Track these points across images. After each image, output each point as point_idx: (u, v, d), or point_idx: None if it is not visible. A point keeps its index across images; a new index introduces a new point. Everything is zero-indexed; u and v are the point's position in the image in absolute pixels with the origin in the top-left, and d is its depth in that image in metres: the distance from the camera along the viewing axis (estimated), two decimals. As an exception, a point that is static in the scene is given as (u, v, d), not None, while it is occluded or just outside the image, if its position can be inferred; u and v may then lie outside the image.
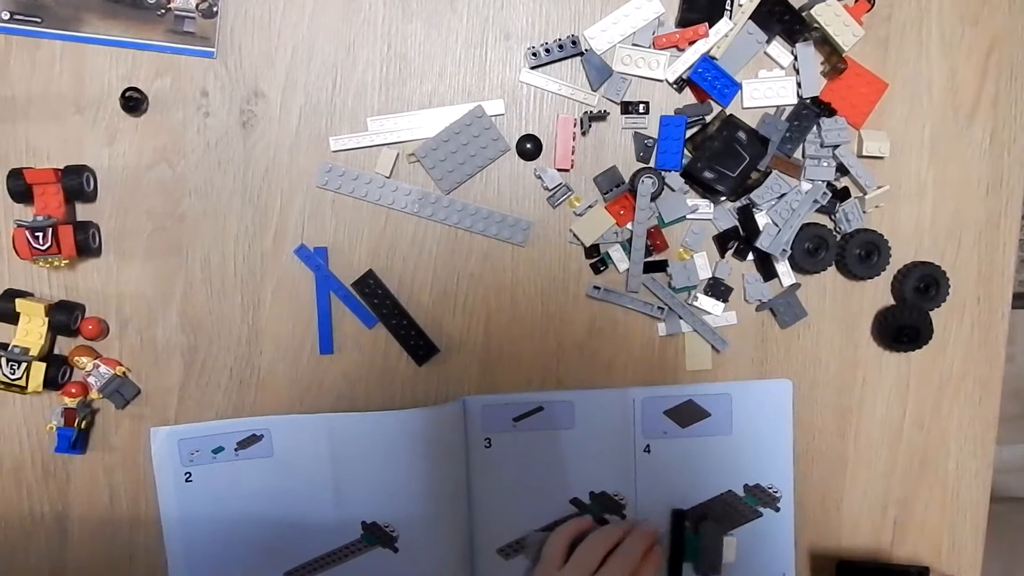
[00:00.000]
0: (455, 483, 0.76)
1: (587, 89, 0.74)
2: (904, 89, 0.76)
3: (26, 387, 0.72)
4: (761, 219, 0.75)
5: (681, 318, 0.76)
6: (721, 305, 0.76)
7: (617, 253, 0.75)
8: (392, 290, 0.75)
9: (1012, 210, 0.77)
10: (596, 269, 0.76)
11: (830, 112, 0.74)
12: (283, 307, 0.75)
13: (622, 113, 0.74)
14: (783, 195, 0.74)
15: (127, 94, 0.72)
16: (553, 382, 0.77)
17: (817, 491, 0.79)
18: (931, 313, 0.76)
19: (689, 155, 0.74)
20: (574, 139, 0.74)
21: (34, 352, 0.72)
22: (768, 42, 0.74)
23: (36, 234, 0.69)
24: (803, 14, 0.72)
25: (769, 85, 0.74)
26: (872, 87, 0.75)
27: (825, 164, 0.75)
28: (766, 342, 0.78)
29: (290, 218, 0.74)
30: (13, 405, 0.75)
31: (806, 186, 0.75)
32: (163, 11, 0.72)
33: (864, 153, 0.75)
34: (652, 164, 0.75)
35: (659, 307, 0.76)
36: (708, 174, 0.72)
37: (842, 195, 0.76)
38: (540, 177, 0.74)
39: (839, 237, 0.76)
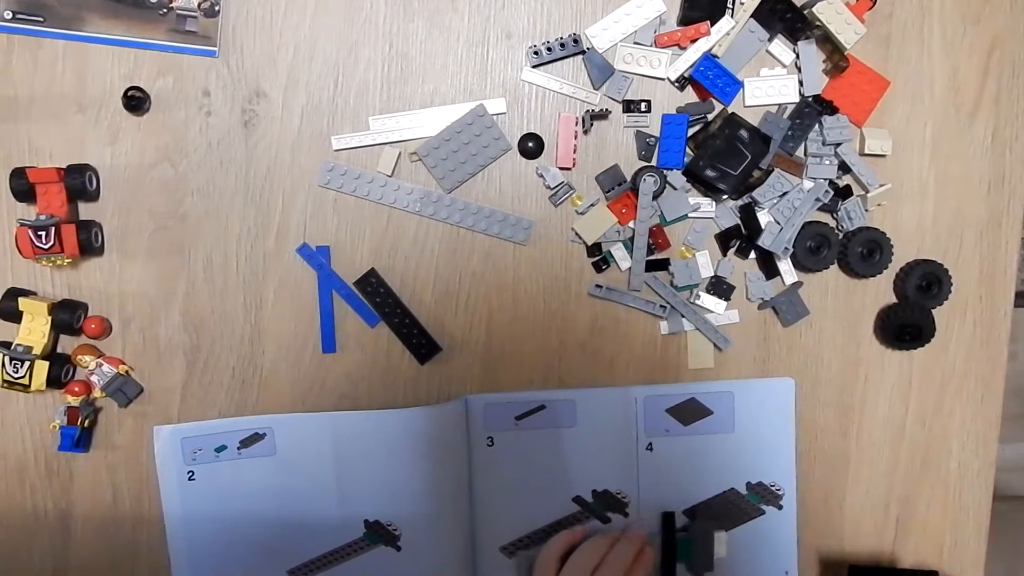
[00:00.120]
0: (457, 482, 0.76)
1: (589, 88, 0.74)
2: (906, 87, 0.76)
3: (29, 386, 0.72)
4: (763, 217, 0.75)
5: (683, 316, 0.76)
6: (723, 303, 0.76)
7: (619, 252, 0.75)
8: (394, 289, 0.75)
9: (1014, 208, 0.77)
10: (598, 268, 0.76)
11: (832, 110, 0.74)
12: (285, 306, 0.75)
13: (624, 112, 0.74)
14: (785, 193, 0.74)
15: (129, 93, 0.72)
16: (555, 381, 0.77)
17: (819, 489, 0.79)
18: (933, 311, 0.76)
19: (691, 153, 0.74)
20: (576, 138, 0.74)
21: (37, 351, 0.72)
22: (770, 40, 0.74)
23: (39, 233, 0.70)
24: (805, 12, 0.72)
25: (771, 83, 0.74)
26: (874, 85, 0.75)
27: (827, 162, 0.75)
28: (768, 340, 0.78)
29: (292, 217, 0.74)
30: (16, 404, 0.76)
31: (808, 184, 0.75)
32: (165, 10, 0.72)
33: (866, 151, 0.75)
34: (654, 163, 0.75)
35: (661, 305, 0.76)
36: (710, 172, 0.72)
37: (844, 193, 0.76)
38: (542, 176, 0.74)
39: (841, 235, 0.76)
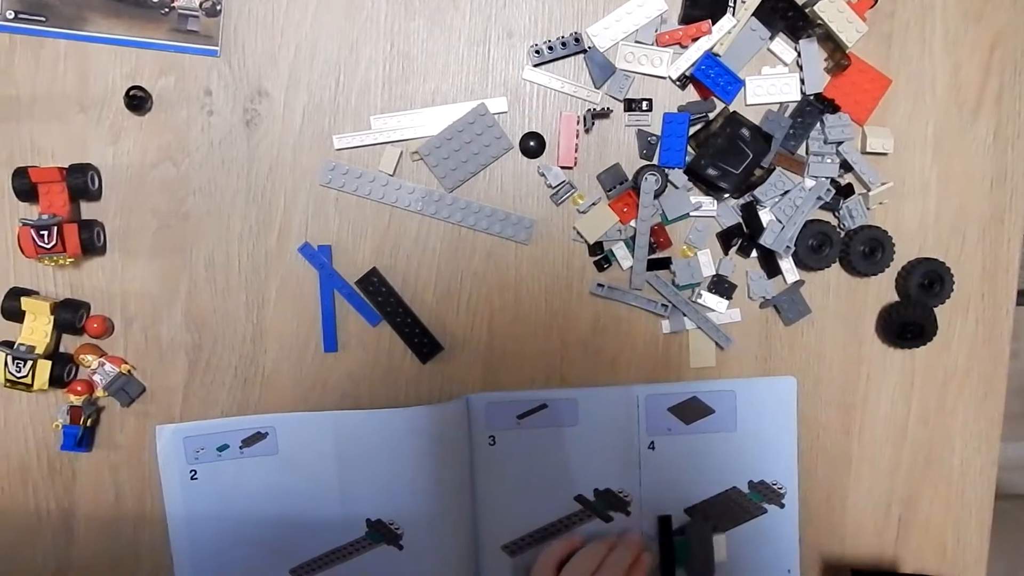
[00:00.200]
0: (459, 480, 0.76)
1: (590, 86, 0.74)
2: (908, 85, 0.76)
3: (32, 385, 0.72)
4: (765, 216, 0.75)
5: (685, 315, 0.76)
6: (725, 302, 0.76)
7: (621, 251, 0.75)
8: (396, 288, 0.75)
9: (1016, 206, 0.77)
10: (600, 267, 0.76)
11: (834, 108, 0.74)
12: (287, 305, 0.75)
13: (625, 110, 0.74)
14: (787, 192, 0.74)
15: (131, 93, 0.72)
16: (557, 380, 0.77)
17: (822, 488, 0.79)
18: (935, 310, 0.76)
19: (692, 152, 0.74)
20: (577, 137, 0.74)
21: (40, 350, 0.72)
22: (771, 39, 0.74)
23: (41, 232, 0.70)
24: (806, 10, 0.72)
25: (772, 82, 0.74)
26: (876, 83, 0.75)
27: (829, 161, 0.75)
28: (770, 339, 0.77)
29: (294, 216, 0.75)
30: (19, 403, 0.76)
31: (810, 183, 0.75)
32: (167, 10, 0.72)
33: (868, 149, 0.75)
34: (655, 161, 0.75)
35: (663, 304, 0.76)
36: (712, 171, 0.72)
37: (846, 192, 0.76)
38: (543, 175, 0.75)
39: (843, 234, 0.76)
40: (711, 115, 0.74)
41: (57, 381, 0.73)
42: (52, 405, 0.75)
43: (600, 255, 0.76)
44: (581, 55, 0.74)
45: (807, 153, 0.75)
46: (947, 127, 0.76)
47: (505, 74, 0.74)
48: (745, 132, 0.72)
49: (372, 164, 0.74)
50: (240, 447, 0.75)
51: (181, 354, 0.76)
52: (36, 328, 0.72)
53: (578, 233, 0.75)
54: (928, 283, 0.76)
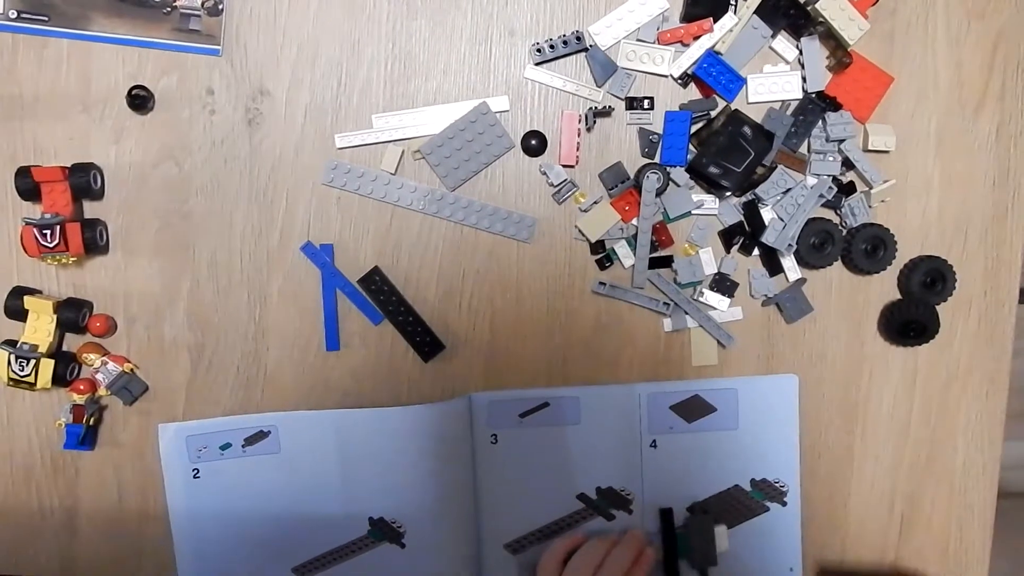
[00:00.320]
0: (462, 479, 0.76)
1: (592, 85, 0.74)
2: (910, 83, 0.76)
3: (35, 384, 0.72)
4: (766, 214, 0.75)
5: (687, 314, 0.76)
6: (727, 300, 0.76)
7: (623, 249, 0.75)
8: (398, 287, 0.75)
9: (1019, 204, 0.77)
10: (601, 265, 0.76)
11: (835, 106, 0.74)
12: (289, 304, 0.75)
13: (627, 109, 0.74)
14: (788, 190, 0.74)
15: (133, 92, 0.72)
16: (559, 378, 0.77)
17: (824, 486, 0.79)
18: (938, 308, 0.76)
19: (694, 150, 0.74)
20: (579, 135, 0.74)
21: (43, 349, 0.72)
22: (773, 37, 0.74)
23: (44, 232, 0.70)
24: (808, 8, 0.72)
25: (774, 80, 0.74)
26: (878, 81, 0.75)
27: (831, 159, 0.75)
28: (772, 337, 0.77)
29: (296, 215, 0.75)
30: (22, 401, 0.76)
31: (811, 181, 0.75)
32: (169, 9, 0.72)
33: (870, 147, 0.75)
34: (657, 160, 0.75)
35: (665, 303, 0.76)
36: (713, 169, 0.72)
37: (848, 190, 0.76)
38: (545, 173, 0.75)
39: (845, 232, 0.76)
40: (713, 113, 0.74)
41: (60, 380, 0.73)
42: (55, 404, 0.76)
43: (602, 253, 0.76)
44: (583, 53, 0.74)
45: (809, 151, 0.75)
46: (949, 125, 0.76)
47: (507, 73, 0.74)
48: (747, 130, 0.72)
49: (374, 163, 0.74)
50: (242, 446, 0.75)
51: (184, 353, 0.76)
52: (39, 327, 0.73)
53: (580, 232, 0.75)
54: (930, 281, 0.76)
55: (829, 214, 0.76)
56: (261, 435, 0.75)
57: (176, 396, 0.76)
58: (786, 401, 0.77)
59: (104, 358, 0.74)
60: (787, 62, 0.75)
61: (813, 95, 0.74)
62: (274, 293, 0.75)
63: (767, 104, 0.75)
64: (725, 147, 0.72)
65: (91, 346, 0.75)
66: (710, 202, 0.75)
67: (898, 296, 0.78)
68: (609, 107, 0.74)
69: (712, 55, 0.73)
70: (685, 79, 0.74)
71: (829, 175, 0.75)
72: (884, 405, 0.79)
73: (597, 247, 0.76)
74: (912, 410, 0.79)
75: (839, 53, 0.74)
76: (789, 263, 0.76)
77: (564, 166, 0.75)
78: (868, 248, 0.75)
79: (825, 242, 0.75)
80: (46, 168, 0.71)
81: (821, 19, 0.72)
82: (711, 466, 0.78)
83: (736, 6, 0.73)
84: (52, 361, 0.72)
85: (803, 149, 0.75)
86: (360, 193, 0.74)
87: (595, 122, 0.74)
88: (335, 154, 0.74)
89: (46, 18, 0.72)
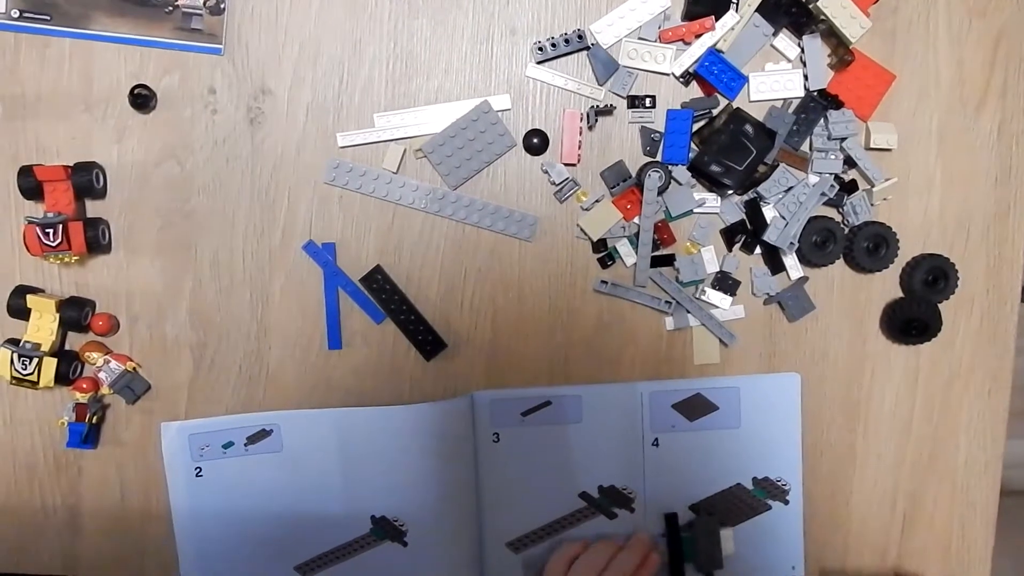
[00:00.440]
0: (464, 478, 0.76)
1: (593, 83, 0.74)
2: (911, 81, 0.76)
3: (38, 382, 0.72)
4: (768, 212, 0.75)
5: (689, 312, 0.76)
6: (729, 299, 0.76)
7: (624, 247, 0.75)
8: (400, 286, 0.75)
9: (1021, 201, 0.77)
10: (603, 264, 0.76)
11: (837, 104, 0.74)
12: (291, 303, 0.75)
13: (629, 107, 0.74)
14: (790, 188, 0.74)
15: (136, 91, 0.72)
16: (561, 377, 0.77)
17: (826, 484, 0.79)
18: (940, 306, 0.76)
19: (696, 149, 0.74)
20: (581, 134, 0.74)
21: (45, 348, 0.72)
22: (775, 35, 0.74)
23: (47, 231, 0.70)
24: (810, 6, 0.72)
25: (776, 78, 0.74)
26: (879, 79, 0.75)
27: (832, 157, 0.75)
28: (774, 336, 0.77)
29: (298, 214, 0.75)
30: (25, 400, 0.76)
31: (813, 179, 0.75)
32: (171, 8, 0.73)
33: (872, 145, 0.75)
34: (659, 158, 0.75)
35: (667, 301, 0.76)
36: (715, 168, 0.72)
37: (850, 188, 0.76)
38: (547, 172, 0.75)
39: (847, 230, 0.76)
40: (714, 111, 0.74)
41: (63, 378, 0.73)
42: (58, 402, 0.76)
43: (604, 252, 0.76)
44: (584, 52, 0.74)
45: (811, 149, 0.75)
46: (951, 123, 0.76)
47: (508, 71, 0.74)
48: (749, 128, 0.72)
49: (376, 162, 0.74)
50: (245, 444, 0.75)
51: (186, 352, 0.76)
52: (42, 326, 0.73)
53: (582, 230, 0.75)
54: (932, 279, 0.76)
55: (831, 212, 0.76)
56: (263, 434, 0.75)
57: (178, 395, 0.76)
58: (788, 399, 0.77)
59: (106, 357, 0.74)
60: (789, 60, 0.75)
61: (815, 93, 0.74)
62: (276, 292, 0.75)
63: (769, 102, 0.75)
64: (727, 145, 0.72)
65: (94, 345, 0.75)
66: (712, 200, 0.75)
67: (900, 294, 0.78)
68: (611, 105, 0.74)
69: (714, 53, 0.73)
70: (687, 77, 0.74)
71: (831, 173, 0.75)
72: (886, 403, 0.79)
73: (599, 246, 0.76)
74: (914, 408, 0.79)
75: (841, 51, 0.74)
76: (791, 261, 0.76)
77: (566, 165, 0.75)
78: (870, 246, 0.75)
79: (827, 240, 0.75)
80: (48, 167, 0.71)
81: (823, 17, 0.72)
82: (713, 465, 0.78)
83: (738, 4, 0.73)
84: (55, 360, 0.72)
85: (805, 147, 0.75)
86: (362, 192, 0.74)
87: (597, 120, 0.74)
88: (337, 153, 0.74)
89: (48, 17, 0.72)
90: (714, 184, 0.74)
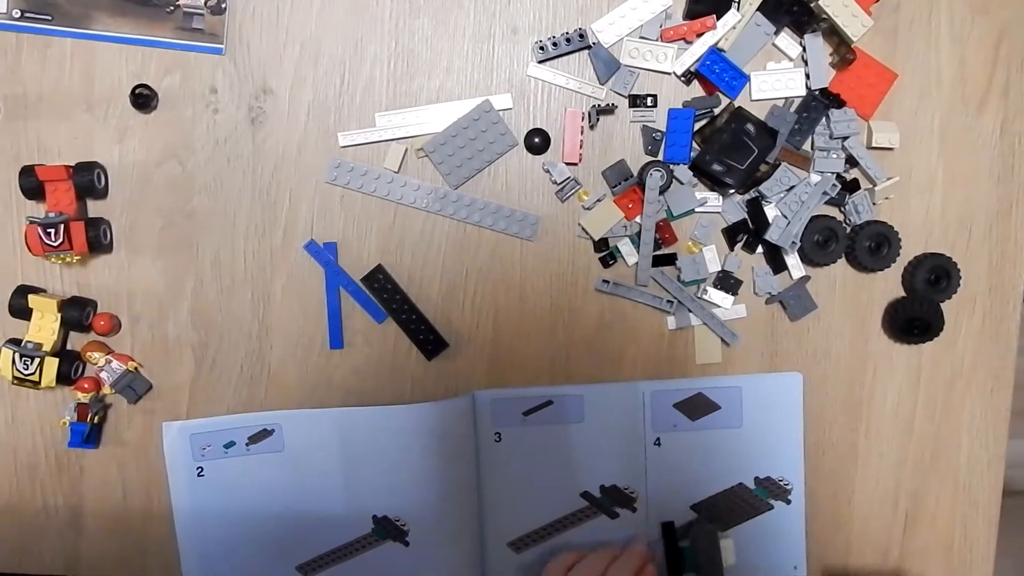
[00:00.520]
0: (465, 477, 0.76)
1: (595, 83, 0.74)
2: (913, 80, 0.75)
3: (39, 382, 0.72)
4: (770, 212, 0.75)
5: (690, 311, 0.76)
6: (730, 298, 0.76)
7: (626, 247, 0.75)
8: (401, 285, 0.75)
9: (1023, 200, 0.77)
10: (605, 263, 0.76)
11: (839, 103, 0.73)
12: (293, 303, 0.75)
13: (630, 106, 0.74)
14: (792, 187, 0.74)
15: (137, 91, 0.72)
16: (562, 376, 0.77)
17: (828, 484, 0.79)
18: (942, 305, 0.76)
19: (697, 148, 0.74)
20: (582, 133, 0.74)
21: (47, 348, 0.72)
22: (776, 33, 0.74)
23: (48, 230, 0.70)
24: (811, 5, 0.72)
25: (777, 77, 0.74)
26: (881, 78, 0.75)
27: (834, 156, 0.74)
28: (776, 335, 0.77)
29: (299, 214, 0.75)
30: (27, 400, 0.76)
31: (815, 178, 0.75)
32: (172, 8, 0.73)
33: (873, 144, 0.75)
34: (660, 157, 0.75)
35: (668, 300, 0.76)
36: (717, 167, 0.72)
37: (851, 187, 0.75)
38: (548, 171, 0.74)
39: (849, 229, 0.76)
40: (716, 111, 0.74)
41: (64, 378, 0.73)
42: (59, 402, 0.76)
43: (605, 251, 0.76)
44: (586, 51, 0.74)
45: (812, 148, 0.75)
46: (953, 121, 0.76)
47: (510, 71, 0.74)
48: (750, 127, 0.72)
49: (377, 161, 0.74)
50: (246, 444, 0.75)
51: (187, 351, 0.76)
52: (43, 326, 0.73)
53: (583, 229, 0.75)
54: (934, 278, 0.76)
55: (833, 211, 0.76)
56: (265, 433, 0.75)
57: (180, 394, 0.76)
58: (790, 399, 0.77)
59: (108, 356, 0.74)
60: (790, 59, 0.75)
61: (816, 92, 0.74)
62: (277, 292, 0.75)
63: (770, 101, 0.75)
64: (728, 144, 0.72)
65: (95, 345, 0.75)
66: (713, 200, 0.75)
67: (902, 293, 0.77)
68: (612, 105, 0.74)
69: (715, 52, 0.73)
70: (688, 76, 0.74)
71: (833, 172, 0.75)
72: (888, 402, 0.78)
73: (600, 245, 0.76)
74: (916, 407, 0.79)
75: (842, 50, 0.74)
76: (793, 261, 0.76)
77: (567, 164, 0.75)
78: (872, 245, 0.75)
79: (829, 239, 0.75)
80: (50, 167, 0.71)
81: (824, 16, 0.71)
82: (715, 464, 0.78)
83: (739, 3, 0.72)
84: (56, 360, 0.72)
85: (807, 146, 0.75)
86: (363, 191, 0.74)
87: (598, 120, 0.74)
88: (338, 152, 0.74)
89: (49, 17, 0.72)
90: (716, 183, 0.74)
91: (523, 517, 0.78)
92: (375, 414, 0.75)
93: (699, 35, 0.73)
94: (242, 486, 0.76)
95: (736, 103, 0.74)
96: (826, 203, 0.75)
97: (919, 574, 0.80)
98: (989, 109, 0.76)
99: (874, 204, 0.75)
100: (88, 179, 0.72)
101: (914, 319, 0.75)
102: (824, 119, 0.74)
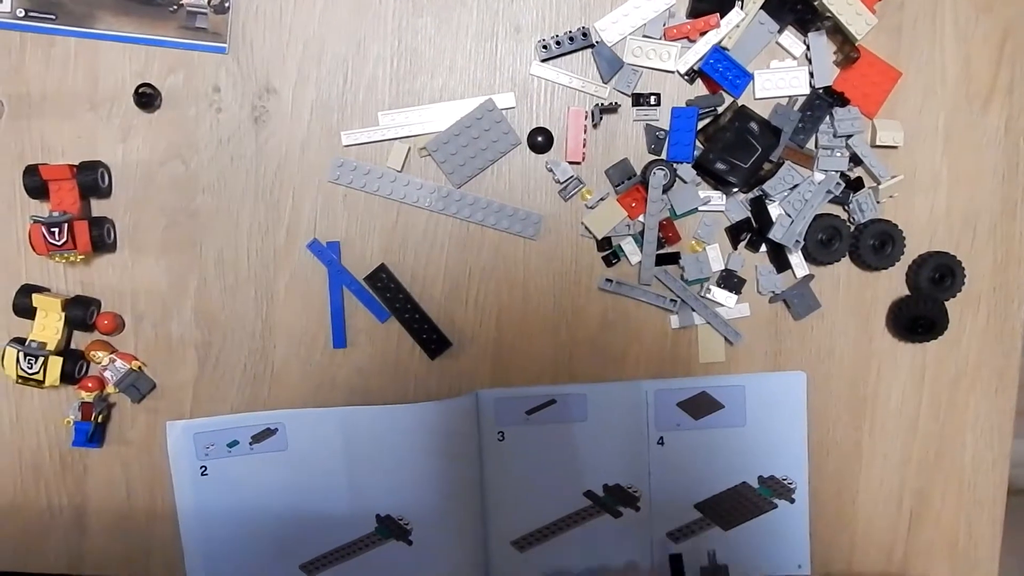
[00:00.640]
0: (468, 476, 0.76)
1: (598, 81, 0.74)
2: (918, 78, 0.75)
3: (43, 381, 0.72)
4: (774, 210, 0.75)
5: (694, 310, 0.76)
6: (734, 297, 0.76)
7: (629, 246, 0.75)
8: (404, 284, 0.75)
9: (1028, 199, 0.77)
10: (608, 262, 0.76)
11: (843, 102, 0.73)
12: (296, 302, 0.76)
13: (633, 105, 0.74)
14: (796, 186, 0.74)
15: (140, 90, 0.72)
16: (566, 375, 0.77)
17: (832, 483, 0.79)
18: (946, 303, 0.76)
19: (701, 147, 0.74)
20: (585, 132, 0.74)
21: (51, 347, 0.72)
22: (780, 32, 0.73)
23: (52, 230, 0.70)
24: (815, 3, 0.72)
25: (781, 75, 0.74)
26: (885, 76, 0.74)
27: (838, 154, 0.74)
28: (779, 334, 0.77)
29: (302, 213, 0.75)
30: (31, 399, 0.76)
31: (819, 176, 0.75)
32: (175, 7, 0.73)
33: (878, 143, 0.74)
34: (664, 156, 0.75)
35: (672, 299, 0.76)
36: (720, 165, 0.72)
37: (856, 185, 0.75)
38: (551, 170, 0.74)
39: (853, 228, 0.75)
40: (720, 109, 0.74)
41: (68, 377, 0.73)
42: (63, 401, 0.76)
43: (608, 250, 0.76)
44: (589, 50, 0.74)
45: (816, 147, 0.75)
46: (957, 120, 0.76)
47: (513, 69, 0.74)
48: (754, 126, 0.72)
49: (380, 160, 0.74)
50: (250, 443, 0.75)
51: (191, 350, 0.76)
52: (47, 325, 0.73)
53: (586, 228, 0.75)
54: (939, 277, 0.76)
55: (837, 210, 0.76)
56: (268, 432, 0.75)
57: (184, 394, 0.76)
58: (794, 398, 0.77)
59: (112, 356, 0.74)
60: (794, 57, 0.74)
61: (820, 90, 0.74)
62: (281, 291, 0.75)
63: (774, 100, 0.75)
64: (732, 143, 0.72)
65: (99, 344, 0.75)
66: (717, 198, 0.75)
67: (906, 292, 0.77)
68: (615, 103, 0.74)
69: (719, 51, 0.73)
70: (692, 75, 0.74)
71: (837, 171, 0.74)
72: (892, 401, 0.78)
73: (603, 244, 0.76)
74: (921, 406, 0.78)
75: (846, 48, 0.73)
76: (796, 259, 0.76)
77: (570, 163, 0.74)
78: (876, 244, 0.75)
79: (833, 238, 0.75)
80: (54, 166, 0.71)
81: (828, 14, 0.71)
82: (719, 463, 0.77)
83: (743, 2, 0.72)
84: (60, 359, 0.73)
85: (810, 145, 0.75)
86: (366, 190, 0.74)
87: (601, 118, 0.74)
88: (341, 152, 0.74)
89: (53, 17, 0.73)
90: (719, 182, 0.74)
91: (526, 516, 0.78)
92: (378, 413, 0.75)
93: (702, 33, 0.73)
94: (246, 485, 0.76)
95: (740, 102, 0.74)
96: (830, 201, 0.75)
97: (923, 573, 0.80)
98: (994, 107, 0.76)
99: (878, 202, 0.75)
100: (92, 178, 0.72)
101: (918, 318, 0.75)
102: (828, 117, 0.74)
